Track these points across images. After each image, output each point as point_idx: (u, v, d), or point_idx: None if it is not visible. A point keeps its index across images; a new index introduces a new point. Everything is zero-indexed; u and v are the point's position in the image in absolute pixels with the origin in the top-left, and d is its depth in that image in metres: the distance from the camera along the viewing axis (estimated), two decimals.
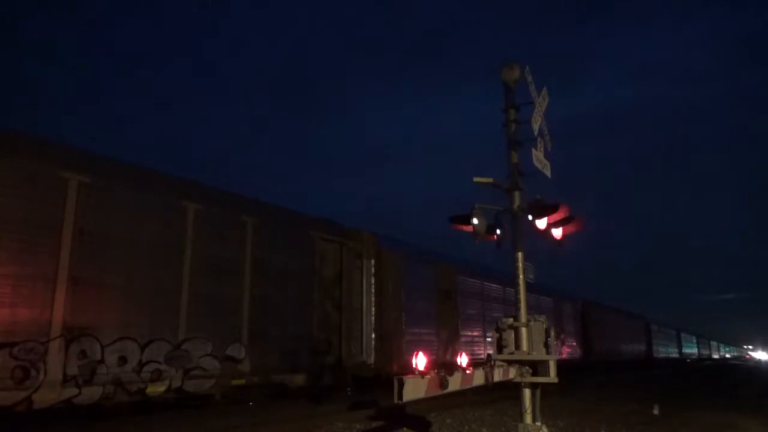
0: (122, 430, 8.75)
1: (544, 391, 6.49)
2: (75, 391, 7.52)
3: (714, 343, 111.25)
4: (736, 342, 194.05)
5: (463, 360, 5.46)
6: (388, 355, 13.33)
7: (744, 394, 19.79)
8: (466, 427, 9.81)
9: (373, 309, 13.22)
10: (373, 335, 13.07)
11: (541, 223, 6.80)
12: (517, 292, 6.63)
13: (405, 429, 9.41)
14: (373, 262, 13.50)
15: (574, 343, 26.81)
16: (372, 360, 12.92)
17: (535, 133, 7.01)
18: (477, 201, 6.80)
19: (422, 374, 4.36)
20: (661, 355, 50.15)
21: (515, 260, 6.67)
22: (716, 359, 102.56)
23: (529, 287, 6.73)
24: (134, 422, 9.00)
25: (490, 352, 6.46)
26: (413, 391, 4.21)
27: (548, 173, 7.11)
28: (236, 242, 10.33)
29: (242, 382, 9.91)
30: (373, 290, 13.34)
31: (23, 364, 7.05)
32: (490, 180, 6.72)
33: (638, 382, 24.99)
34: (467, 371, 5.07)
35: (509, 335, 6.50)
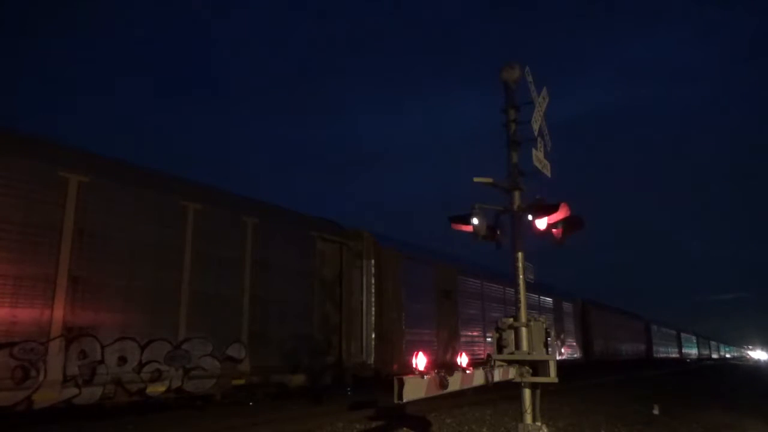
0: (122, 430, 8.75)
1: (544, 391, 6.50)
2: (75, 391, 7.52)
3: (714, 343, 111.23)
4: (736, 342, 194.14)
5: (463, 360, 5.34)
6: (388, 355, 13.33)
7: (744, 394, 19.80)
8: (466, 427, 9.82)
9: (373, 309, 13.21)
10: (373, 335, 13.06)
11: (541, 223, 6.80)
12: (517, 292, 6.63)
13: (405, 429, 9.41)
14: (373, 262, 13.49)
15: (574, 343, 26.80)
16: (372, 360, 12.92)
17: (535, 133, 7.01)
18: (477, 201, 6.81)
19: (422, 374, 4.36)
20: (661, 355, 50.14)
21: (515, 260, 6.67)
22: (716, 359, 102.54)
23: (529, 287, 6.73)
24: (134, 422, 9.00)
25: (490, 352, 6.34)
26: (413, 391, 4.21)
27: (548, 173, 7.11)
28: (236, 242, 10.32)
29: (242, 382, 9.91)
30: (373, 290, 13.33)
31: (23, 364, 7.04)
32: (490, 180, 6.73)
33: (638, 382, 24.99)
34: (467, 371, 5.07)
35: (509, 335, 6.50)
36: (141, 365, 8.31)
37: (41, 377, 7.18)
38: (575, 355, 26.61)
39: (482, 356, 16.99)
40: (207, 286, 9.56)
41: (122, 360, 8.10)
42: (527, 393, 6.31)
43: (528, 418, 6.24)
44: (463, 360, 5.31)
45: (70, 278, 7.66)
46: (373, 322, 13.13)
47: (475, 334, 17.66)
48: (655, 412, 12.38)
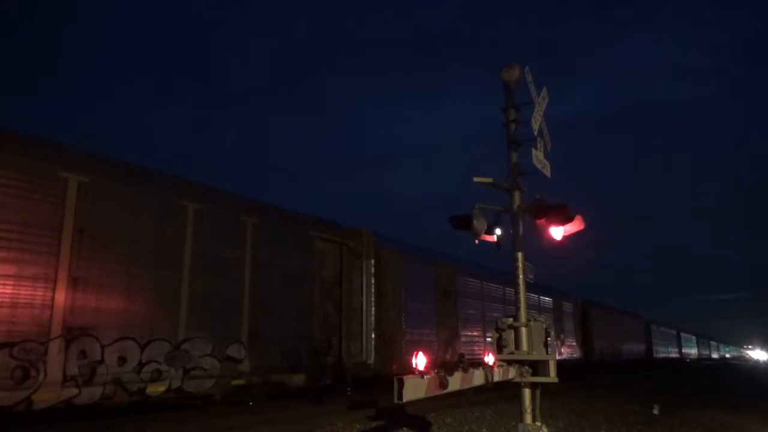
0: (122, 430, 8.75)
1: (544, 391, 6.50)
2: (75, 391, 7.51)
3: (714, 343, 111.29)
4: (735, 342, 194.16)
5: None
6: (388, 355, 13.33)
7: (743, 394, 19.80)
8: (466, 427, 9.82)
9: (373, 309, 13.21)
10: (373, 335, 13.06)
11: (542, 224, 6.80)
12: (517, 292, 6.63)
13: (405, 429, 9.41)
14: (372, 262, 13.49)
15: (574, 343, 26.80)
16: (372, 360, 12.91)
17: (535, 133, 7.01)
18: (477, 201, 6.81)
19: (422, 374, 4.36)
20: (661, 355, 50.14)
21: (515, 260, 6.67)
22: (716, 359, 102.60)
23: (529, 287, 6.73)
24: (134, 422, 9.00)
25: (488, 357, 6.30)
26: (413, 391, 4.22)
27: (548, 173, 7.11)
28: (236, 242, 10.32)
29: (242, 382, 9.91)
30: (372, 290, 13.33)
31: (23, 364, 7.04)
32: (490, 180, 6.73)
33: (638, 382, 25.00)
34: (467, 371, 5.06)
35: (509, 335, 6.50)
36: (141, 365, 8.31)
37: (41, 377, 7.18)
38: (575, 355, 26.60)
39: (482, 356, 16.98)
40: (207, 286, 9.56)
41: (122, 360, 8.09)
42: (527, 393, 6.30)
43: (528, 418, 6.24)
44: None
45: (70, 278, 7.65)
46: (373, 322, 13.13)
47: (475, 334, 17.66)
48: (655, 412, 12.38)
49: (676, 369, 45.28)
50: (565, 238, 7.00)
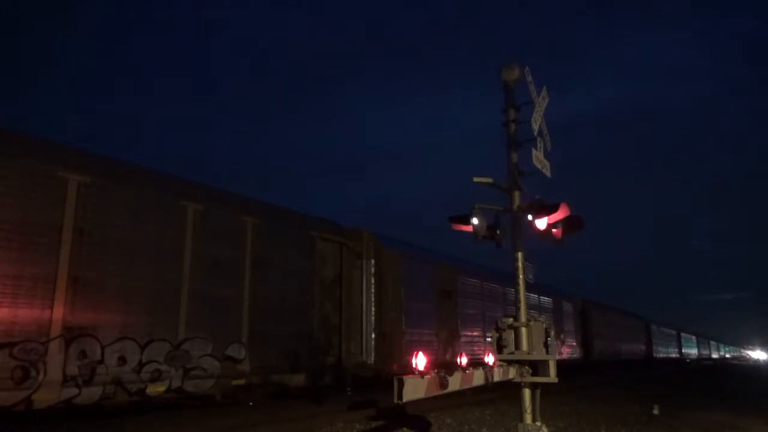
0: (122, 430, 8.75)
1: (544, 391, 6.50)
2: (75, 391, 7.51)
3: (714, 343, 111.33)
4: (735, 342, 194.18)
5: (463, 360, 5.44)
6: (388, 355, 13.33)
7: (744, 394, 19.78)
8: (466, 427, 9.82)
9: (373, 309, 13.21)
10: (373, 335, 13.06)
11: (541, 223, 6.80)
12: (517, 292, 6.63)
13: (405, 429, 9.41)
14: (373, 262, 13.49)
15: (574, 343, 26.79)
16: (372, 360, 12.91)
17: (535, 133, 7.01)
18: (477, 201, 6.81)
19: (422, 374, 4.36)
20: (661, 355, 50.15)
21: (515, 260, 6.67)
22: (716, 359, 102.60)
23: (529, 287, 6.73)
24: (134, 422, 9.00)
25: (488, 357, 6.38)
26: (413, 391, 4.22)
27: (548, 173, 7.11)
28: (236, 242, 10.32)
29: (242, 382, 9.91)
30: (372, 290, 13.33)
31: (23, 364, 7.04)
32: (490, 180, 6.73)
33: (638, 382, 24.99)
34: (467, 371, 5.07)
35: (509, 335, 6.50)
36: (141, 365, 8.31)
37: (41, 377, 7.18)
38: (575, 355, 26.60)
39: (482, 356, 16.97)
40: (207, 286, 9.56)
41: (122, 360, 8.09)
42: (527, 393, 6.31)
43: (528, 418, 6.24)
44: (463, 360, 5.44)
45: (70, 278, 7.65)
46: (373, 322, 13.13)
47: (475, 334, 17.65)
48: (655, 412, 12.38)
49: (676, 369, 45.29)
50: (565, 237, 7.00)
